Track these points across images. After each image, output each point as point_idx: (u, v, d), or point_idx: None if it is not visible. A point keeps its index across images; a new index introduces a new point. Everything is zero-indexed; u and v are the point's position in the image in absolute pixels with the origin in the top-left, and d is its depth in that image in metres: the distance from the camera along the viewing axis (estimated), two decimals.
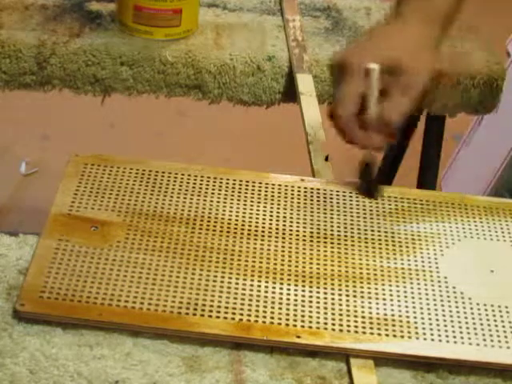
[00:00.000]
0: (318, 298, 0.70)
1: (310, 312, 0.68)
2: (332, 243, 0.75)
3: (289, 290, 0.70)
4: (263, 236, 0.75)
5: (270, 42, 1.02)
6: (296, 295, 0.70)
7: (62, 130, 1.97)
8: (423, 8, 0.81)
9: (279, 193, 0.80)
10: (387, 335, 0.67)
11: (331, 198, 0.80)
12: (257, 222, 0.76)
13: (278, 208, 0.78)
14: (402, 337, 0.67)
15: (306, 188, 0.81)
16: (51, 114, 1.95)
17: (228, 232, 0.75)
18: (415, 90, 0.77)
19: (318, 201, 0.80)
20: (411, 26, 0.80)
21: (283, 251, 0.74)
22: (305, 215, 0.78)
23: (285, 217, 0.77)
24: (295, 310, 0.68)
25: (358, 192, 0.81)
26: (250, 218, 0.77)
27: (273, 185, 0.81)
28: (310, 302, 0.69)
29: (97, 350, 0.65)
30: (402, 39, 0.79)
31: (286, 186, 0.81)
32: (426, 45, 0.79)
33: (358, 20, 1.08)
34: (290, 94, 1.00)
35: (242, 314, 0.68)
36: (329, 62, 0.82)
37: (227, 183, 0.80)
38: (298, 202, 0.79)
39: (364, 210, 0.79)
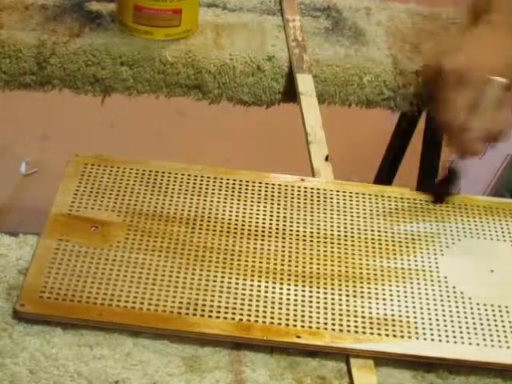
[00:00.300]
0: (318, 297, 0.70)
1: (310, 312, 0.68)
2: (332, 243, 0.75)
3: (289, 289, 0.70)
4: (263, 236, 0.75)
5: (269, 42, 1.02)
6: (296, 295, 0.70)
7: (62, 130, 1.97)
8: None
9: (279, 193, 0.80)
10: (387, 335, 0.67)
11: (331, 198, 0.80)
12: (257, 222, 0.76)
13: (278, 208, 0.78)
14: (402, 337, 0.67)
15: (306, 188, 0.81)
16: (51, 114, 1.95)
17: (228, 232, 0.75)
18: None
19: (318, 201, 0.80)
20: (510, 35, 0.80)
21: (283, 251, 0.74)
22: (305, 215, 0.78)
23: (285, 217, 0.77)
24: (295, 310, 0.68)
25: (432, 191, 0.81)
26: (250, 217, 0.77)
27: (273, 185, 0.81)
28: (310, 302, 0.69)
29: (97, 350, 0.65)
30: (508, 49, 0.79)
31: (286, 185, 0.81)
32: None
33: (358, 20, 1.08)
34: (290, 93, 1.00)
35: (241, 314, 0.68)
36: (421, 65, 0.82)
37: (227, 183, 0.80)
38: (298, 202, 0.79)
39: (364, 210, 0.79)
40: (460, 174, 0.82)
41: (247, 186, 0.80)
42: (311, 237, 0.76)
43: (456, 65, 0.79)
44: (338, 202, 0.80)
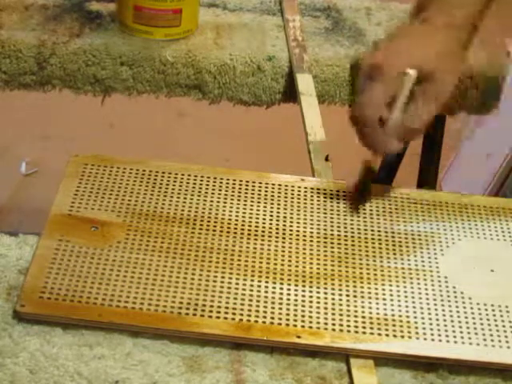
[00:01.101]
0: (318, 298, 0.70)
1: (310, 312, 0.68)
2: (332, 243, 0.75)
3: (289, 290, 0.70)
4: (263, 236, 0.75)
5: (270, 42, 1.02)
6: (296, 295, 0.70)
7: (62, 130, 1.97)
8: (449, 12, 0.80)
9: (279, 193, 0.80)
10: (387, 335, 0.67)
11: (331, 198, 0.80)
12: (257, 222, 0.76)
13: (278, 208, 0.78)
14: (402, 337, 0.67)
15: (306, 188, 0.81)
16: (51, 114, 1.95)
17: (228, 232, 0.75)
18: (441, 100, 0.76)
19: (318, 201, 0.80)
20: (438, 30, 0.79)
21: (283, 251, 0.74)
22: (305, 215, 0.78)
23: (285, 217, 0.77)
24: (295, 310, 0.68)
25: (350, 192, 0.80)
26: (250, 217, 0.77)
27: (273, 185, 0.81)
28: (310, 302, 0.69)
29: (97, 350, 0.65)
30: (429, 44, 0.78)
31: (286, 185, 0.81)
32: (453, 51, 0.79)
33: (358, 20, 1.08)
34: (290, 93, 1.00)
35: (242, 314, 0.68)
36: (351, 62, 0.81)
37: (227, 183, 0.80)
38: (298, 202, 0.79)
39: (364, 210, 0.79)
40: (375, 171, 0.81)
41: (247, 185, 0.80)
42: (311, 237, 0.76)
43: (373, 59, 0.77)
44: (338, 202, 0.80)
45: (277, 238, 0.75)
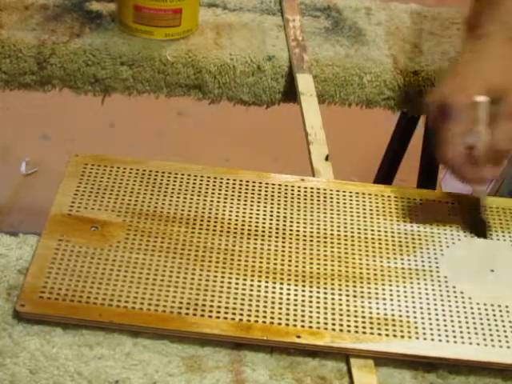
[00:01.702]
0: (318, 297, 0.70)
1: (310, 312, 0.68)
2: (332, 243, 0.75)
3: (289, 289, 0.70)
4: (263, 236, 0.75)
5: (270, 42, 1.02)
6: (296, 295, 0.70)
7: (62, 130, 1.97)
8: (507, 24, 0.78)
9: (279, 193, 0.80)
10: (387, 335, 0.67)
11: (331, 198, 0.80)
12: (257, 222, 0.76)
13: (278, 208, 0.78)
14: (403, 337, 0.67)
15: (306, 188, 0.81)
16: (51, 113, 1.95)
17: (228, 232, 0.75)
18: None
19: (319, 201, 0.80)
20: (501, 46, 0.77)
21: (283, 251, 0.74)
22: (305, 215, 0.78)
23: (285, 216, 0.77)
24: (295, 310, 0.68)
25: (469, 229, 0.78)
26: (250, 217, 0.77)
27: (273, 185, 0.81)
28: (310, 301, 0.69)
29: (97, 349, 0.65)
30: (496, 63, 0.76)
31: (286, 185, 0.81)
32: None
33: (358, 20, 1.08)
34: (290, 93, 1.00)
35: (242, 314, 0.68)
36: (427, 102, 0.78)
37: (227, 183, 0.80)
38: (298, 202, 0.79)
39: (364, 209, 0.79)
40: (483, 200, 0.79)
41: (247, 185, 0.80)
42: (311, 237, 0.76)
43: (440, 96, 0.76)
44: (338, 202, 0.80)
45: (277, 237, 0.75)
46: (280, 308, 0.68)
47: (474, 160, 0.75)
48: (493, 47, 0.78)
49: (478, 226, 0.78)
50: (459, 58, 0.81)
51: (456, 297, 0.71)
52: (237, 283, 0.70)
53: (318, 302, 0.69)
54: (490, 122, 0.75)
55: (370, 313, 0.69)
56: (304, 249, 0.74)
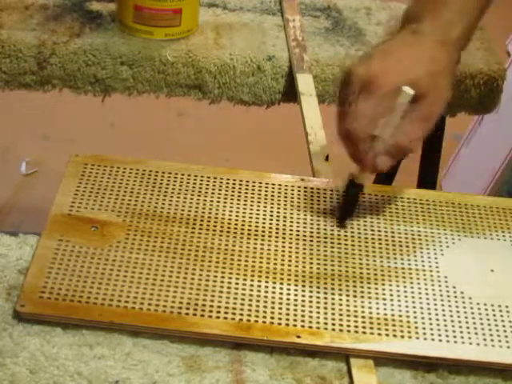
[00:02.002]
0: (318, 297, 0.70)
1: (310, 312, 0.68)
2: (332, 243, 0.75)
3: (289, 289, 0.70)
4: (263, 236, 0.75)
5: (270, 42, 1.02)
6: (296, 295, 0.70)
7: (62, 130, 1.97)
8: (444, 29, 0.78)
9: (279, 193, 0.80)
10: (387, 335, 0.67)
11: (331, 198, 0.80)
12: (257, 222, 0.76)
13: (278, 208, 0.78)
14: (402, 337, 0.67)
15: (306, 188, 0.81)
16: (51, 113, 1.95)
17: (228, 232, 0.75)
18: (433, 119, 0.75)
19: (319, 201, 0.80)
20: (433, 47, 0.77)
21: (283, 251, 0.74)
22: (305, 215, 0.78)
23: (285, 216, 0.77)
24: (295, 310, 0.68)
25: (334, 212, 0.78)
26: (250, 217, 0.77)
27: (273, 185, 0.81)
28: (310, 301, 0.69)
29: (97, 349, 0.65)
30: (424, 62, 0.76)
31: (286, 185, 0.81)
32: (447, 68, 0.77)
33: (358, 20, 1.08)
34: (290, 93, 1.00)
35: (241, 314, 0.68)
36: (341, 70, 0.77)
37: (227, 183, 0.80)
38: (298, 202, 0.79)
39: (364, 209, 0.79)
40: (361, 185, 0.78)
41: (247, 185, 0.80)
42: (311, 237, 0.76)
43: (367, 71, 0.75)
44: (338, 202, 0.80)
45: (277, 237, 0.75)
46: (280, 308, 0.68)
47: (373, 145, 0.74)
48: (424, 47, 0.78)
49: (345, 210, 0.78)
50: (390, 40, 0.80)
51: (456, 297, 0.71)
52: (237, 283, 0.70)
53: (318, 302, 0.69)
54: (403, 115, 0.74)
55: (370, 313, 0.69)
56: (304, 249, 0.74)
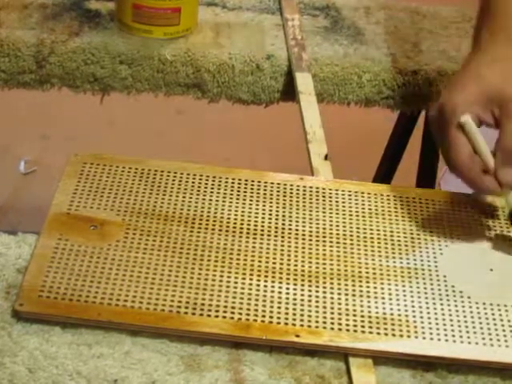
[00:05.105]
0: (318, 297, 0.70)
1: (309, 311, 0.68)
2: (331, 242, 0.75)
3: (288, 288, 0.70)
4: (262, 235, 0.75)
5: (269, 41, 1.02)
6: (295, 294, 0.70)
7: (61, 129, 1.97)
8: (502, 34, 0.78)
9: (278, 191, 0.80)
10: (386, 334, 0.67)
11: (330, 197, 0.80)
12: (256, 221, 0.76)
13: (278, 207, 0.78)
14: (401, 336, 0.67)
15: (305, 187, 0.81)
16: (50, 112, 1.95)
17: (227, 231, 0.75)
18: None
19: (318, 200, 0.80)
20: (495, 52, 0.77)
21: (282, 250, 0.74)
22: (304, 214, 0.78)
23: (284, 215, 0.77)
24: (294, 309, 0.68)
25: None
26: (250, 216, 0.77)
27: (272, 183, 0.81)
28: (310, 301, 0.69)
29: (96, 348, 0.65)
30: (490, 67, 0.76)
31: (286, 184, 0.81)
32: None
33: (357, 19, 1.08)
34: (289, 92, 1.00)
35: (241, 314, 0.68)
36: (430, 116, 0.79)
37: (226, 182, 0.80)
38: (297, 201, 0.79)
39: (363, 208, 0.79)
40: None
41: (246, 184, 0.80)
42: (310, 236, 0.76)
43: (438, 105, 0.76)
44: (337, 201, 0.80)
45: (276, 236, 0.75)
46: (279, 307, 0.68)
47: (487, 167, 0.74)
48: (491, 50, 0.78)
49: None
50: (459, 70, 0.82)
51: (455, 296, 0.71)
52: (236, 282, 0.70)
53: (317, 301, 0.69)
54: (498, 125, 0.75)
55: (369, 312, 0.69)
56: (303, 248, 0.74)
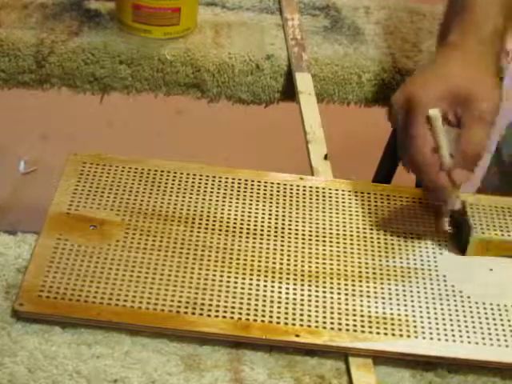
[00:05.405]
0: (317, 296, 0.70)
1: (309, 311, 0.68)
2: (331, 242, 0.75)
3: (288, 288, 0.70)
4: (262, 235, 0.75)
5: (268, 41, 1.02)
6: (295, 294, 0.70)
7: (60, 129, 1.97)
8: (473, 31, 0.78)
9: (278, 191, 0.80)
10: (386, 334, 0.67)
11: (330, 197, 0.80)
12: (256, 221, 0.76)
13: (277, 207, 0.78)
14: (401, 336, 0.67)
15: (305, 187, 0.81)
16: (50, 112, 1.94)
17: (227, 231, 0.75)
18: (488, 118, 0.74)
19: (317, 199, 0.80)
20: (467, 51, 0.77)
21: (282, 250, 0.74)
22: (304, 214, 0.78)
23: (284, 215, 0.77)
24: (294, 309, 0.68)
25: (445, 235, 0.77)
26: (249, 216, 0.77)
27: (272, 183, 0.81)
28: (309, 300, 0.69)
29: (95, 348, 0.65)
30: (461, 66, 0.76)
31: (285, 184, 0.81)
32: (488, 68, 0.77)
33: (357, 19, 1.08)
34: (289, 92, 1.00)
35: (240, 313, 0.67)
36: (390, 101, 0.78)
37: (226, 182, 0.80)
38: (297, 201, 0.79)
39: (363, 208, 0.79)
40: (463, 211, 0.77)
41: (246, 184, 0.80)
42: (310, 235, 0.76)
43: (404, 94, 0.75)
44: (337, 201, 0.80)
45: (276, 236, 0.75)
46: (279, 307, 0.68)
47: (442, 167, 0.73)
48: (457, 55, 0.78)
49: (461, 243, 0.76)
50: (426, 63, 0.82)
51: (455, 296, 0.71)
52: (236, 282, 0.70)
53: (317, 301, 0.69)
54: (459, 123, 0.74)
55: (369, 312, 0.69)
56: (303, 247, 0.74)
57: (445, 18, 0.85)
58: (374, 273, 0.72)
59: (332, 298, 0.70)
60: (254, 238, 0.75)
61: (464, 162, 0.74)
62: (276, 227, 0.76)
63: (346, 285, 0.71)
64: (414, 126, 0.74)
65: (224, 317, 0.67)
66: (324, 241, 0.75)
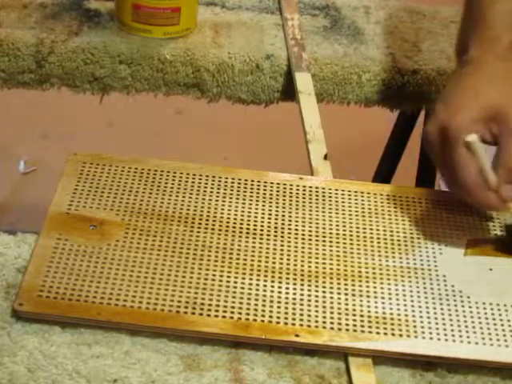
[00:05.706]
0: (317, 296, 0.70)
1: (309, 311, 0.68)
2: (331, 242, 0.75)
3: (287, 288, 0.70)
4: (262, 234, 0.75)
5: (268, 41, 1.02)
6: (295, 294, 0.70)
7: (60, 129, 1.97)
8: (491, 46, 0.78)
9: (278, 191, 0.80)
10: (386, 334, 0.67)
11: (330, 197, 0.80)
12: (255, 221, 0.76)
13: (277, 206, 0.78)
14: (401, 335, 0.67)
15: (304, 186, 0.81)
16: (50, 112, 1.95)
17: (227, 230, 0.75)
18: None
19: (317, 199, 0.80)
20: (490, 67, 0.77)
21: (282, 250, 0.74)
22: (303, 214, 0.78)
23: (283, 215, 0.77)
24: (294, 309, 0.68)
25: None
26: (249, 216, 0.77)
27: (271, 183, 0.81)
28: (309, 300, 0.69)
29: (95, 348, 0.65)
30: (488, 83, 0.76)
31: (285, 184, 0.81)
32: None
33: (357, 19, 1.08)
34: (289, 92, 0.99)
35: (240, 313, 0.67)
36: (425, 133, 0.77)
37: (226, 182, 0.80)
38: (297, 201, 0.79)
39: (363, 208, 0.79)
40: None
41: (246, 184, 0.80)
42: (310, 235, 0.76)
43: (435, 126, 0.75)
44: (336, 201, 0.80)
45: (275, 236, 0.75)
46: (279, 307, 0.68)
47: (490, 185, 0.74)
48: (483, 69, 0.77)
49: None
50: (450, 85, 0.81)
51: (455, 296, 0.71)
52: (235, 282, 0.70)
53: (317, 301, 0.69)
54: (497, 142, 0.75)
55: (369, 311, 0.69)
56: (303, 247, 0.74)
57: (461, 30, 0.84)
58: (374, 273, 0.72)
59: (332, 297, 0.70)
60: (254, 238, 0.75)
61: (509, 177, 0.74)
62: (276, 227, 0.76)
63: (345, 285, 0.71)
64: (455, 154, 0.74)
65: (224, 317, 0.67)
66: (324, 241, 0.75)
